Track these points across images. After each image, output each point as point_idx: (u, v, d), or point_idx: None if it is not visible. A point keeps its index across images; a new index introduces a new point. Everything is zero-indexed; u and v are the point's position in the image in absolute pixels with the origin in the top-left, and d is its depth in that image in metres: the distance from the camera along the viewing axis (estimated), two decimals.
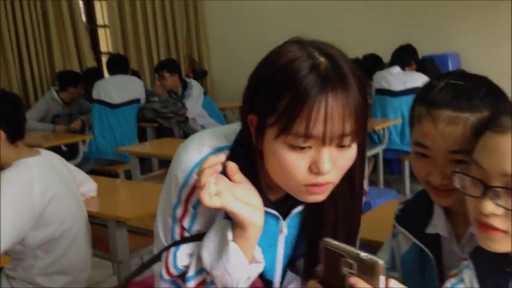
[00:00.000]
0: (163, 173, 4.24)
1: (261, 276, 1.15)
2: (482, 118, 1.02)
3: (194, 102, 5.07)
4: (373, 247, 1.80)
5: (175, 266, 1.12)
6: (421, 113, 1.09)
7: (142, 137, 5.11)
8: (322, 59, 0.95)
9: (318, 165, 0.94)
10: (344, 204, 1.11)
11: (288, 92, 0.93)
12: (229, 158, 1.04)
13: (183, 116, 4.99)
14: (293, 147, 0.94)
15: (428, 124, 1.06)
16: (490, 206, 0.85)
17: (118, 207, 2.39)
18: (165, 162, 4.59)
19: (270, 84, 0.96)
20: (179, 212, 1.11)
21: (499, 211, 0.85)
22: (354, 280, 0.75)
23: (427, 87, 1.12)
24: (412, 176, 4.76)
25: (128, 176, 4.49)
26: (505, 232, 0.86)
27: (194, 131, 4.95)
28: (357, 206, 1.15)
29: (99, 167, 4.76)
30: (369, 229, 1.83)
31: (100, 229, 2.45)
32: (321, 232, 1.12)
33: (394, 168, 5.50)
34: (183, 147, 1.12)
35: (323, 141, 0.92)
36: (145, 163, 4.83)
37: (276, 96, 0.94)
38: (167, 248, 1.13)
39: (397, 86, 4.48)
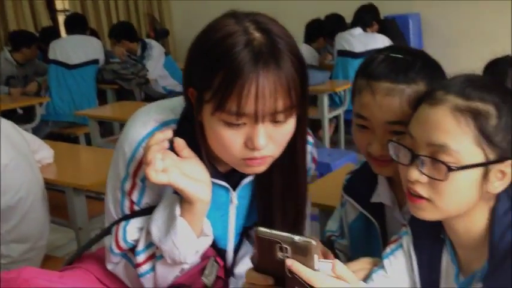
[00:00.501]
0: None
1: (214, 245, 1.17)
2: (418, 90, 1.06)
3: (155, 64, 4.98)
4: (330, 212, 1.84)
5: (125, 240, 1.13)
6: (361, 85, 1.12)
7: (102, 99, 5.01)
8: (257, 35, 0.94)
9: (253, 141, 0.95)
10: (289, 175, 1.13)
11: (222, 69, 0.93)
12: (176, 132, 1.05)
13: (144, 77, 4.90)
14: (228, 124, 0.95)
15: (367, 96, 1.10)
16: (415, 173, 0.89)
17: (76, 174, 2.34)
18: None
19: (206, 59, 0.96)
20: (127, 185, 1.11)
21: (423, 179, 0.89)
22: (290, 262, 0.77)
23: (367, 61, 1.15)
24: None
25: (88, 139, 4.41)
26: (429, 200, 0.90)
27: (156, 93, 4.92)
28: (302, 176, 1.17)
29: (57, 129, 4.66)
30: (326, 194, 1.86)
31: (59, 195, 2.41)
32: (271, 201, 1.14)
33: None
34: (130, 121, 1.12)
35: (255, 118, 0.93)
36: (106, 126, 4.75)
37: (212, 72, 0.94)
38: (117, 222, 1.14)
39: (358, 48, 4.50)
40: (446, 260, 1.00)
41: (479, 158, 0.86)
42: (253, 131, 0.95)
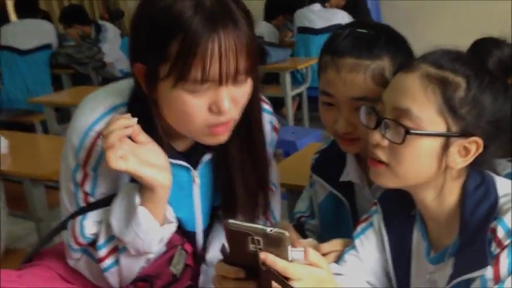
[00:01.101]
0: None
1: (182, 228, 1.13)
2: (382, 66, 1.05)
3: (111, 46, 4.83)
4: (297, 192, 1.83)
5: (83, 235, 1.08)
6: (326, 62, 1.10)
7: (57, 84, 4.84)
8: None
9: (218, 105, 0.93)
10: (246, 144, 1.11)
11: (175, 39, 0.89)
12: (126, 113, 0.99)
13: (100, 61, 4.75)
14: (191, 92, 0.92)
15: (332, 72, 1.08)
16: (377, 137, 0.89)
17: (33, 164, 2.25)
18: None
19: (153, 30, 0.92)
20: (79, 176, 1.07)
21: (384, 142, 0.89)
22: (264, 255, 0.75)
23: (332, 37, 1.13)
24: None
25: (45, 126, 4.26)
26: (387, 165, 0.89)
27: (113, 76, 4.79)
28: (260, 144, 1.14)
29: (12, 117, 4.50)
30: (293, 174, 1.84)
31: (17, 187, 2.32)
32: (231, 174, 1.12)
33: (318, 105, 5.59)
34: (78, 109, 1.07)
35: (220, 81, 0.91)
36: (63, 112, 4.59)
37: (163, 44, 0.90)
38: (72, 217, 1.09)
39: (319, 24, 4.47)
40: (417, 236, 1.00)
41: (441, 127, 0.85)
42: (218, 95, 0.93)
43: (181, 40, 0.88)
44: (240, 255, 0.78)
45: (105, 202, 1.08)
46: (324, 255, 1.09)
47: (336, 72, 1.07)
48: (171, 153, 1.06)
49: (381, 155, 0.90)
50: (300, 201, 1.46)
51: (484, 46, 0.91)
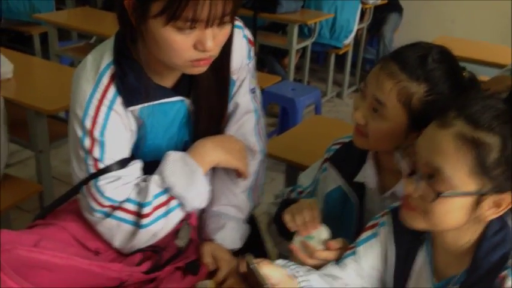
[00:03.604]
0: (84, 46, 4.02)
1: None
2: (416, 90, 1.07)
3: None
4: (295, 168, 1.88)
5: (104, 196, 1.14)
6: (384, 57, 1.14)
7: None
8: None
9: (203, 43, 1.03)
10: (217, 74, 1.22)
11: None
12: (117, 74, 1.12)
13: None
14: (180, 30, 1.01)
15: (377, 66, 1.12)
16: (410, 188, 0.92)
17: (37, 95, 2.24)
18: (85, 36, 4.32)
19: None
20: (87, 143, 1.14)
21: (417, 193, 0.91)
22: None
23: (403, 48, 1.14)
24: (335, 70, 4.87)
25: (44, 39, 4.18)
26: (421, 212, 0.92)
27: None
28: (226, 69, 1.25)
29: (12, 25, 4.39)
30: (291, 150, 1.89)
31: (20, 112, 2.31)
32: (200, 96, 1.23)
33: (320, 59, 5.57)
34: (74, 83, 1.16)
35: (207, 22, 1.00)
36: (63, 31, 4.49)
37: None
38: (85, 182, 1.15)
39: None
40: (421, 260, 1.03)
41: (472, 187, 0.86)
42: (203, 35, 1.02)
43: None
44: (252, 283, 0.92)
45: (115, 167, 1.15)
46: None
47: (379, 69, 1.11)
48: (164, 92, 1.18)
49: (414, 203, 0.92)
50: (304, 177, 1.49)
51: None
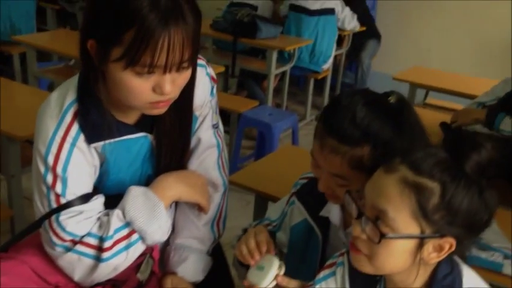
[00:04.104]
0: (63, 68, 4.03)
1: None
2: (361, 153, 1.08)
3: None
4: (264, 199, 1.90)
5: (65, 231, 1.15)
6: (317, 129, 1.16)
7: (41, 19, 4.71)
8: None
9: (161, 87, 1.07)
10: (179, 115, 1.26)
11: (132, 28, 0.99)
12: (80, 111, 1.14)
13: None
14: (139, 74, 1.04)
15: (317, 146, 1.14)
16: (357, 230, 0.95)
17: (11, 120, 2.23)
18: (66, 58, 4.33)
19: (112, 16, 1.01)
20: (49, 179, 1.15)
21: (363, 236, 0.94)
22: None
23: (330, 105, 1.16)
24: (314, 93, 4.92)
25: (24, 59, 4.18)
26: (366, 254, 0.95)
27: None
28: (188, 111, 1.28)
29: None
30: (263, 179, 1.91)
31: None
32: (162, 136, 1.26)
33: (300, 82, 5.64)
34: (38, 119, 1.17)
35: (165, 69, 1.04)
36: (43, 52, 4.50)
37: (121, 30, 1.00)
38: (46, 217, 1.16)
39: (313, 5, 4.45)
40: None
41: (415, 229, 0.89)
42: (162, 80, 1.06)
43: (137, 31, 0.99)
44: None
45: (77, 202, 1.17)
46: None
47: (319, 147, 1.13)
48: (126, 129, 1.21)
49: (361, 246, 0.95)
50: (273, 209, 1.51)
51: (461, 147, 0.92)
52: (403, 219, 0.89)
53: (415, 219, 0.89)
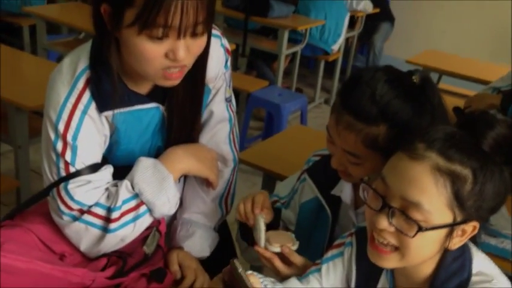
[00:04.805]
0: (73, 41, 4.00)
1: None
2: (377, 132, 1.06)
3: None
4: (272, 178, 1.89)
5: (73, 200, 1.14)
6: (335, 105, 1.13)
7: None
8: None
9: (175, 53, 1.03)
10: (191, 87, 1.22)
11: None
12: (92, 78, 1.12)
13: None
14: (152, 39, 1.01)
15: (333, 121, 1.12)
16: (384, 223, 0.89)
17: (20, 90, 2.23)
18: (76, 31, 4.31)
19: None
20: (59, 147, 1.14)
21: (391, 228, 0.89)
22: None
23: (350, 78, 1.13)
24: (324, 76, 4.88)
25: (33, 31, 4.16)
26: (394, 250, 0.91)
27: None
28: (200, 83, 1.25)
29: (3, 16, 4.37)
30: (271, 158, 1.90)
31: (1, 106, 2.30)
32: (173, 108, 1.23)
33: (310, 64, 5.59)
34: (49, 85, 1.15)
35: (179, 33, 1.01)
36: (53, 24, 4.47)
37: None
38: (55, 185, 1.15)
39: None
40: (382, 284, 1.03)
41: (449, 218, 0.87)
42: (176, 45, 1.03)
43: None
44: (234, 284, 0.90)
45: (85, 171, 1.15)
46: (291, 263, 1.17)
47: (335, 122, 1.11)
48: (138, 99, 1.19)
49: (390, 238, 0.90)
50: (282, 186, 1.49)
51: (477, 127, 0.89)
52: (439, 209, 0.86)
53: (449, 208, 0.86)
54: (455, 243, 0.91)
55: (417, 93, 1.08)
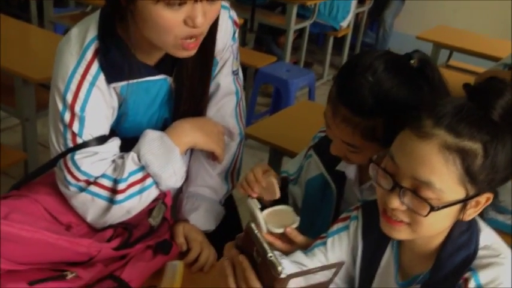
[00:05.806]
0: (79, 14, 3.97)
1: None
2: (374, 124, 1.04)
3: None
4: (279, 153, 1.88)
5: (80, 171, 1.14)
6: (331, 93, 1.11)
7: None
8: None
9: (193, 19, 1.03)
10: (201, 57, 1.20)
11: None
12: (101, 48, 1.11)
13: None
14: (170, 6, 1.00)
15: (330, 113, 1.11)
16: (395, 202, 0.88)
17: (27, 63, 2.23)
18: (82, 4, 4.27)
19: None
20: (67, 117, 1.13)
21: (403, 207, 0.89)
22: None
23: (345, 67, 1.10)
24: (333, 52, 4.83)
25: (41, 4, 4.14)
26: (407, 223, 0.91)
27: None
28: (210, 54, 1.24)
29: None
30: (278, 133, 1.89)
31: (8, 78, 2.29)
32: (183, 79, 1.23)
33: (319, 41, 5.53)
34: (57, 56, 1.14)
35: None
36: None
37: None
38: (62, 155, 1.15)
39: None
40: (388, 255, 1.03)
41: (461, 194, 0.86)
42: (194, 10, 1.02)
43: None
44: (248, 251, 0.88)
45: (93, 143, 1.15)
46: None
47: (332, 114, 1.09)
48: (147, 70, 1.18)
49: (402, 216, 0.90)
50: (291, 163, 1.49)
51: (484, 95, 0.87)
52: (450, 187, 0.85)
53: (461, 184, 0.85)
54: (470, 214, 0.90)
55: (416, 77, 1.05)
